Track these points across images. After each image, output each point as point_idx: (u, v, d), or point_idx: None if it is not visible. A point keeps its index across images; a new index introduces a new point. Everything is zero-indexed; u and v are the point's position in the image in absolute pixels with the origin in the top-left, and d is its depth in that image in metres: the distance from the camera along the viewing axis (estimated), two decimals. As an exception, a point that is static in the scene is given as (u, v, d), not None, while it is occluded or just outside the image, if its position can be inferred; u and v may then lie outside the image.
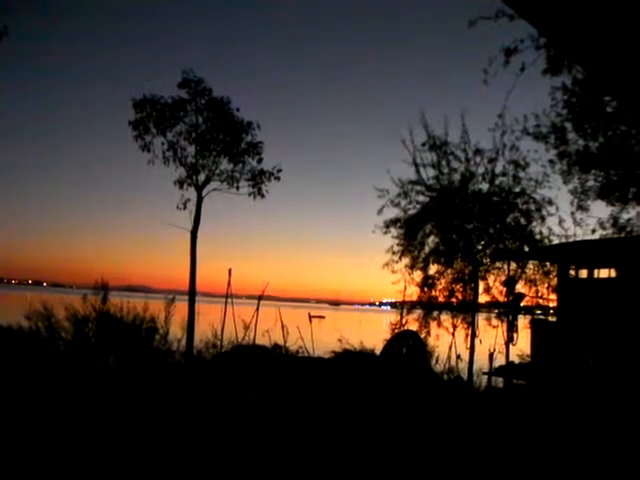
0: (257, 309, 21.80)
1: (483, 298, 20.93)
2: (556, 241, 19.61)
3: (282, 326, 20.90)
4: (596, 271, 16.52)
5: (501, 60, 14.02)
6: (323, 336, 25.18)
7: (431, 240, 20.93)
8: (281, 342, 19.87)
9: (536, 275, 20.29)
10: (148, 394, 11.91)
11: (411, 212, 20.71)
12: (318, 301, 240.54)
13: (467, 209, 20.02)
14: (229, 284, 22.45)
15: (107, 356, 14.64)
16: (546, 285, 20.18)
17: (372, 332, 28.85)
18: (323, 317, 62.76)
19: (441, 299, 21.15)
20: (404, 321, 21.66)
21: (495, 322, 20.61)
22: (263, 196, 19.69)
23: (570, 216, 20.09)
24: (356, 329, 43.95)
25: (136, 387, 12.40)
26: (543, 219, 20.02)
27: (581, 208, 20.29)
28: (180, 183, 19.48)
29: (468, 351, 19.93)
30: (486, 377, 18.23)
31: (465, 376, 19.09)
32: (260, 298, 22.55)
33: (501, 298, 20.36)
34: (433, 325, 21.02)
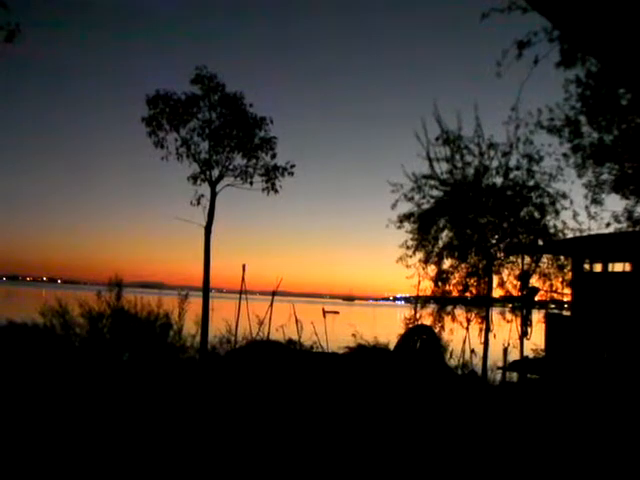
0: (271, 304, 21.85)
1: (497, 292, 20.87)
2: (570, 235, 19.53)
3: (296, 321, 20.94)
4: (611, 265, 16.43)
5: (514, 53, 13.92)
6: (337, 331, 25.26)
7: (445, 234, 20.89)
8: (295, 337, 19.91)
9: (550, 269, 20.21)
10: (162, 390, 11.95)
11: (425, 206, 20.66)
12: (332, 296, 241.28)
13: (481, 203, 19.95)
14: (243, 280, 22.52)
15: (121, 352, 14.71)
16: (560, 279, 20.10)
17: (386, 327, 28.87)
18: (337, 312, 62.66)
19: (455, 293, 21.11)
20: (418, 316, 21.66)
21: (509, 316, 20.55)
22: (277, 191, 19.63)
23: (584, 210, 20.05)
24: (370, 324, 43.98)
25: (150, 383, 12.45)
26: (557, 213, 19.94)
27: (595, 201, 20.24)
28: (194, 179, 19.50)
29: (482, 345, 19.89)
30: (500, 371, 18.20)
31: (479, 370, 19.07)
32: (274, 293, 22.59)
33: (515, 292, 20.29)
34: (447, 319, 21.00)
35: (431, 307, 21.46)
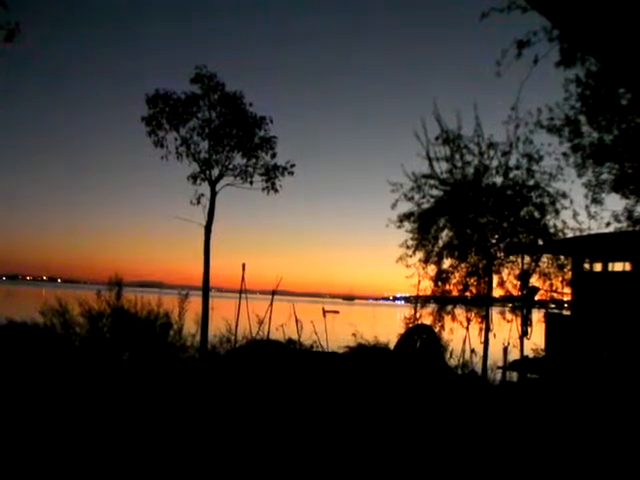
0: (271, 304, 21.85)
1: (497, 292, 20.85)
2: (570, 234, 19.50)
3: (296, 321, 20.95)
4: (611, 264, 16.41)
5: (514, 52, 13.91)
6: (337, 331, 25.26)
7: (445, 234, 20.86)
8: (295, 337, 19.92)
9: (550, 269, 20.19)
10: (162, 389, 11.95)
11: (425, 206, 20.64)
12: (332, 296, 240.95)
13: (481, 203, 19.93)
14: (243, 279, 22.52)
15: (121, 351, 14.71)
16: (560, 279, 20.08)
17: (386, 326, 28.88)
18: (337, 312, 62.56)
19: (455, 293, 21.09)
20: (418, 315, 21.65)
21: (509, 316, 20.53)
22: (277, 191, 19.63)
23: (584, 209, 20.01)
24: (370, 323, 43.96)
25: (150, 382, 12.45)
26: (557, 212, 19.91)
27: (595, 201, 20.21)
28: (194, 178, 19.49)
29: (482, 345, 19.88)
30: (500, 371, 18.18)
31: (479, 370, 19.06)
32: (274, 293, 22.60)
33: (515, 292, 20.27)
34: (447, 319, 20.98)
35: (431, 307, 21.46)
